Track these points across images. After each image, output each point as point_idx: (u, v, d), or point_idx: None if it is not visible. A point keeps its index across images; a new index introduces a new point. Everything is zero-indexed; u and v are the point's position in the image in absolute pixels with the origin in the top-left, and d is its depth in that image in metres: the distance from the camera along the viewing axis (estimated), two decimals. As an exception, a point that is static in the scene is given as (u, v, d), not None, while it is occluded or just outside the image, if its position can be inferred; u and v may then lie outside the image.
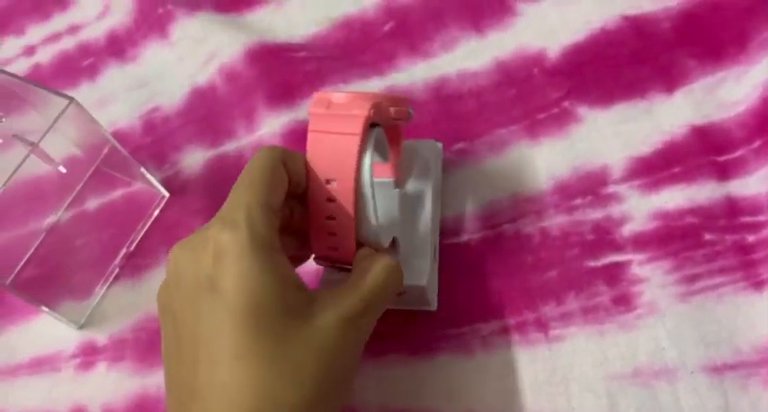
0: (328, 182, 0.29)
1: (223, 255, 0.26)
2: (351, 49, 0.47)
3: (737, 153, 0.36)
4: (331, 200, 0.30)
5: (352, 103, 0.30)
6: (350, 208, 0.29)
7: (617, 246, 0.36)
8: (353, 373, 0.29)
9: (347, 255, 0.31)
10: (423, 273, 0.34)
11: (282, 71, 0.46)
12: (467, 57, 0.43)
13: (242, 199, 0.28)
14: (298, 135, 0.43)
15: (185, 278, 0.27)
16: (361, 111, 0.29)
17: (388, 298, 0.30)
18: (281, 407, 0.25)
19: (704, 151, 0.37)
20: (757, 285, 0.33)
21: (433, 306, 0.36)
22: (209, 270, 0.26)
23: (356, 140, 0.29)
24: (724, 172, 0.36)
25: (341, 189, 0.29)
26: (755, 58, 0.38)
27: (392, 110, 0.32)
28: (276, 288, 0.26)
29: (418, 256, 0.35)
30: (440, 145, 0.39)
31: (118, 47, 0.51)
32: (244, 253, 0.26)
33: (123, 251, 0.42)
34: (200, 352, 0.26)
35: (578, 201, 0.37)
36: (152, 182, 0.43)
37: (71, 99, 0.36)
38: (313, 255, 0.33)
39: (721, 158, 0.36)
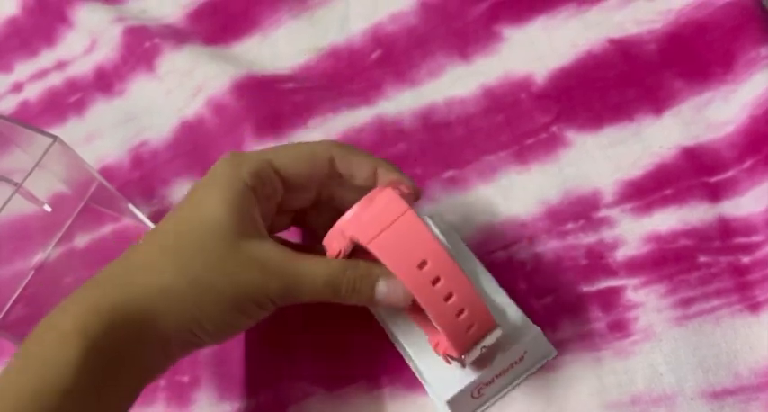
0: (422, 266, 0.29)
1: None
2: (338, 79, 0.47)
3: (729, 173, 0.37)
4: (448, 297, 0.29)
5: (375, 203, 0.31)
6: (459, 276, 0.29)
7: (611, 271, 0.36)
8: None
9: (488, 323, 0.30)
10: (523, 321, 0.33)
11: (270, 102, 0.46)
12: (454, 84, 0.44)
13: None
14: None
15: None
16: (390, 195, 0.30)
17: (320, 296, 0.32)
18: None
19: (695, 172, 0.37)
20: (753, 307, 0.33)
21: (554, 351, 0.34)
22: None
23: (412, 214, 0.29)
24: (716, 193, 0.36)
25: (438, 263, 0.29)
26: (742, 77, 0.38)
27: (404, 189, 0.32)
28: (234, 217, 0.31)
29: (506, 311, 0.33)
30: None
31: (105, 81, 0.52)
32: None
33: (112, 288, 0.42)
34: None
35: (570, 225, 0.37)
36: (140, 217, 0.43)
37: (54, 138, 0.36)
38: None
39: (712, 179, 0.37)
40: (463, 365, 0.31)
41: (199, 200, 0.32)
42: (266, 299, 0.31)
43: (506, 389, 0.34)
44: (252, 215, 0.32)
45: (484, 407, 0.34)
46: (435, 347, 0.32)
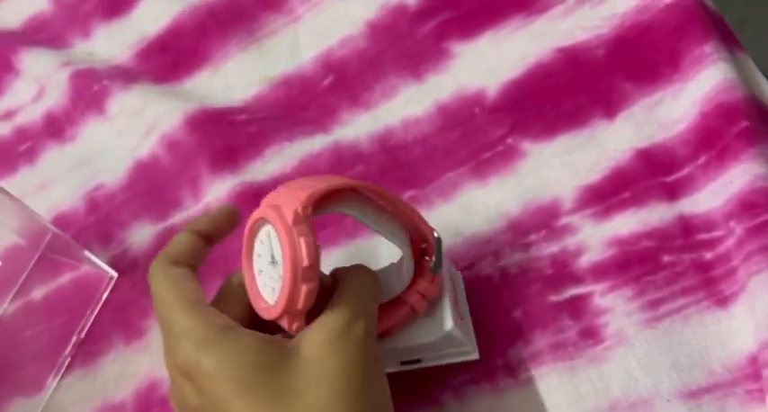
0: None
1: (191, 372, 0.28)
2: (292, 107, 0.48)
3: (684, 171, 0.38)
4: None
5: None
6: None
7: (577, 278, 0.36)
8: (381, 384, 0.30)
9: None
10: (445, 320, 0.33)
11: (224, 135, 0.46)
12: (408, 103, 0.45)
13: (170, 325, 0.29)
14: (245, 197, 0.44)
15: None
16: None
17: (368, 299, 0.31)
18: None
19: (651, 173, 0.38)
20: (721, 302, 0.34)
21: (475, 354, 0.35)
22: (193, 394, 0.28)
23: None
24: (673, 192, 0.37)
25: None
26: (689, 74, 0.40)
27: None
28: (245, 361, 0.27)
29: (434, 307, 0.34)
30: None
31: (56, 127, 0.52)
32: (200, 356, 0.27)
33: (74, 339, 0.42)
34: None
35: (533, 236, 0.38)
36: (98, 263, 0.43)
37: None
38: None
39: (669, 178, 0.38)
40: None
41: None
42: None
43: (466, 307, 0.36)
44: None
45: (470, 325, 0.35)
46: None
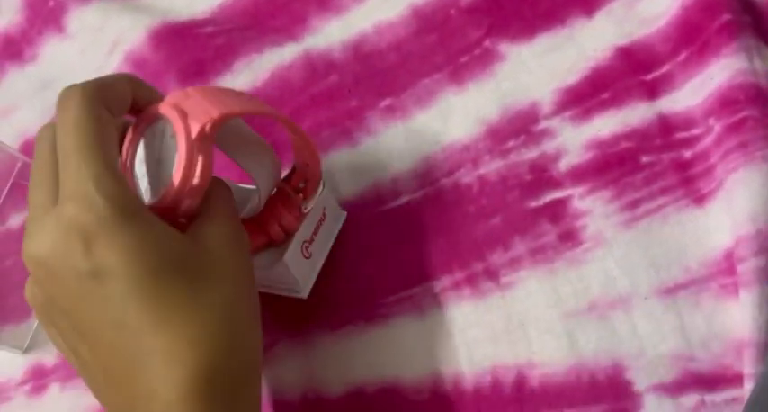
0: None
1: (93, 239, 0.25)
2: (260, 16, 0.46)
3: (664, 68, 0.37)
4: None
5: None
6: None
7: (556, 183, 0.37)
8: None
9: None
10: (285, 252, 0.34)
11: (191, 50, 0.45)
12: (380, 6, 0.44)
13: (82, 169, 0.26)
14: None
15: (63, 277, 0.26)
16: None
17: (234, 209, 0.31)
18: (215, 345, 0.27)
19: (631, 72, 0.38)
20: (698, 200, 0.35)
21: (304, 293, 0.36)
22: (86, 262, 0.26)
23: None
24: (653, 90, 0.37)
25: None
26: (671, -34, 0.39)
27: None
28: (160, 248, 0.26)
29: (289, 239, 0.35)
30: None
31: (14, 49, 0.51)
32: (113, 230, 0.25)
33: (56, 264, 0.43)
34: (118, 344, 0.26)
35: (511, 142, 0.38)
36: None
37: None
38: None
39: (649, 77, 0.38)
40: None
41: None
42: None
43: (326, 250, 0.37)
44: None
45: (318, 266, 0.37)
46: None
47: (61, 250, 0.26)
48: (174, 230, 0.28)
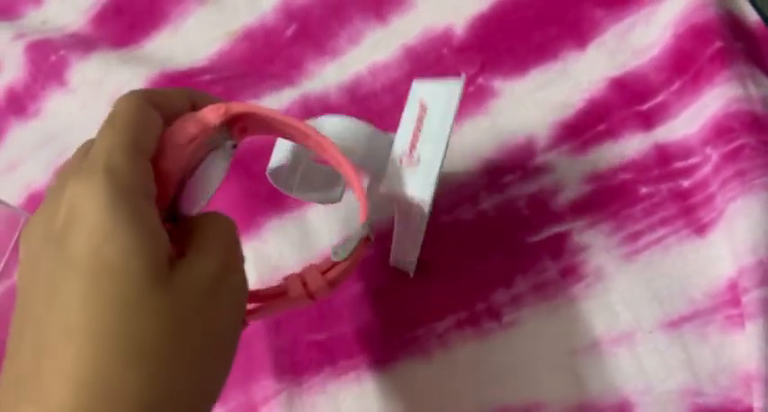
0: None
1: (75, 208, 0.23)
2: (257, 62, 0.48)
3: (659, 98, 0.38)
4: None
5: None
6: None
7: (555, 217, 0.37)
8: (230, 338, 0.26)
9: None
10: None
11: (190, 99, 0.47)
12: (374, 48, 0.45)
13: (102, 145, 0.24)
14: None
15: (33, 243, 0.24)
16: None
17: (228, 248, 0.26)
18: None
19: (626, 102, 0.38)
20: (700, 229, 0.35)
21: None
22: (58, 228, 0.23)
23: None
24: (649, 120, 0.38)
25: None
26: (661, -4, 0.40)
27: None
28: (134, 245, 0.22)
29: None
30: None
31: (18, 104, 0.52)
32: (98, 204, 0.22)
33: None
34: (40, 323, 0.23)
35: (509, 177, 0.39)
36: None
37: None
38: None
39: (644, 107, 0.38)
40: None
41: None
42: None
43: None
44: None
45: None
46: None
47: (43, 219, 0.24)
48: (165, 236, 0.24)
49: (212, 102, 0.29)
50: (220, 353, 0.25)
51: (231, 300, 0.25)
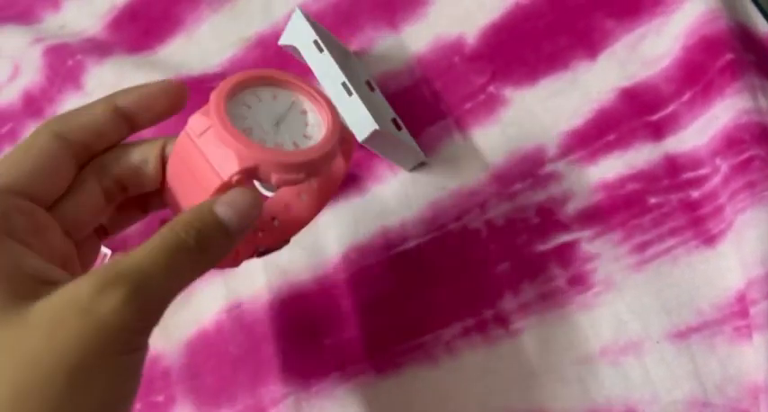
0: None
1: None
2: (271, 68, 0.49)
3: (669, 109, 0.38)
4: None
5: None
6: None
7: (563, 226, 0.38)
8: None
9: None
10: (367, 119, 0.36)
11: (203, 104, 0.47)
12: (385, 55, 0.45)
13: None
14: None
15: None
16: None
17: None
18: None
19: (636, 113, 0.39)
20: (709, 240, 0.35)
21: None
22: None
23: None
24: (658, 131, 0.38)
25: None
26: (672, 7, 0.40)
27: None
28: None
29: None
30: None
31: (35, 107, 0.53)
32: None
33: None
34: None
35: (518, 186, 0.39)
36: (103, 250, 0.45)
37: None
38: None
39: (654, 117, 0.38)
40: None
41: None
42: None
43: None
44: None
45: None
46: None
47: None
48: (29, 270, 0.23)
49: (142, 95, 0.29)
50: None
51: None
